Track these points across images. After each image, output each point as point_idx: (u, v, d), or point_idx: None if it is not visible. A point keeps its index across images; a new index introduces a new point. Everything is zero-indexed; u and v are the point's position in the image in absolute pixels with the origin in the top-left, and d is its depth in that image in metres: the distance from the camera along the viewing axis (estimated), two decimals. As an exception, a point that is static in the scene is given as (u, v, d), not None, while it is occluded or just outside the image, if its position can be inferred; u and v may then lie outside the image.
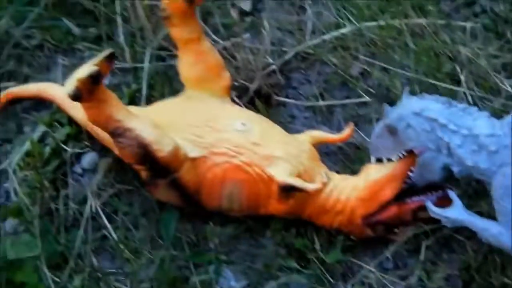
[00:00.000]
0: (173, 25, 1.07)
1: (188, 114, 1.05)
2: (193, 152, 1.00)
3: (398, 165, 0.99)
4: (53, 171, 1.13)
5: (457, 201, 0.95)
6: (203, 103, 1.07)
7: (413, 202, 0.99)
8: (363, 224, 1.01)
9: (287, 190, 0.98)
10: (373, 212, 1.00)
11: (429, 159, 0.95)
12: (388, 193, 0.99)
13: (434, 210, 0.96)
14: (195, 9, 1.07)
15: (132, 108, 1.05)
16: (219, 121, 1.03)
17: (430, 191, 0.99)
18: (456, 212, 0.95)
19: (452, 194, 0.96)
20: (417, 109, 0.93)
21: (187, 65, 1.10)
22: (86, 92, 0.93)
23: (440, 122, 0.92)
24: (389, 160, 1.01)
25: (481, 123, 0.92)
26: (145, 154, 0.98)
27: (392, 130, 0.96)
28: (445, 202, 0.97)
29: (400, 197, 0.99)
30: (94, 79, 0.92)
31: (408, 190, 0.99)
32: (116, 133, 0.97)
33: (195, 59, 1.08)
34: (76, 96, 0.93)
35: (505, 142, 0.90)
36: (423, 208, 0.99)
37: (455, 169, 0.94)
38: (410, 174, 0.98)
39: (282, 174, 0.98)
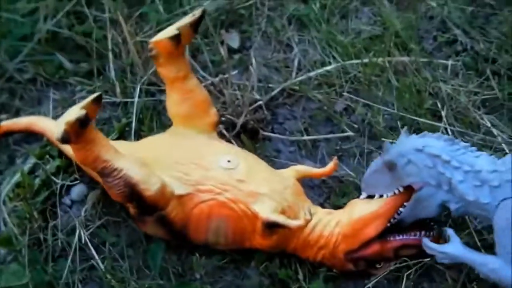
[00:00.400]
0: (160, 64, 1.08)
1: (175, 151, 1.06)
2: (179, 190, 1.01)
3: (384, 205, 1.00)
4: (42, 202, 1.14)
5: (455, 237, 0.96)
6: (189, 140, 1.08)
7: (395, 240, 1.00)
8: (345, 259, 1.01)
9: (271, 227, 0.98)
10: (355, 248, 1.01)
11: (426, 195, 0.96)
12: (371, 231, 1.00)
13: (431, 246, 0.96)
14: (183, 49, 1.09)
15: (121, 144, 1.06)
16: (205, 158, 1.04)
17: (413, 230, 1.00)
18: (454, 248, 0.95)
19: (450, 231, 0.97)
20: (419, 146, 0.95)
21: (174, 103, 1.11)
22: (74, 135, 0.93)
23: (443, 159, 0.94)
24: (381, 196, 1.01)
25: (482, 160, 0.94)
26: (132, 192, 0.98)
27: (391, 166, 0.98)
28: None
29: (383, 234, 1.00)
30: (82, 123, 0.93)
31: (391, 228, 1.00)
32: (104, 173, 0.98)
33: (182, 97, 1.10)
34: (64, 139, 0.93)
35: (507, 177, 0.92)
36: (405, 246, 1.00)
37: (453, 206, 0.96)
38: (401, 209, 0.99)
39: (266, 211, 0.99)
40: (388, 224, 0.99)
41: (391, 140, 1.04)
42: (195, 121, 1.10)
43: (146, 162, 1.01)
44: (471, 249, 0.96)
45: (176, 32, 1.04)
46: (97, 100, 0.96)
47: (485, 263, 0.93)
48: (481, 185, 0.93)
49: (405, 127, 1.02)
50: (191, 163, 1.03)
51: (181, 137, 1.09)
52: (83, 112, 0.93)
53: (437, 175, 0.95)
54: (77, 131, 0.93)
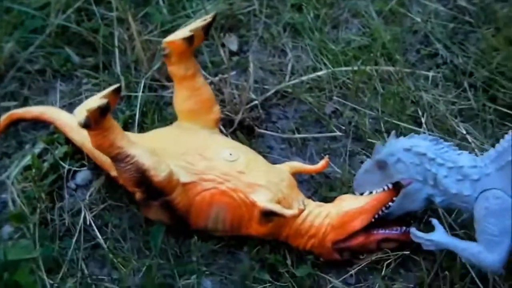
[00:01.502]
0: (171, 63, 1.12)
1: (181, 142, 1.10)
2: (185, 178, 1.05)
3: (370, 201, 1.06)
4: (50, 185, 1.18)
5: (439, 226, 1.02)
6: (194, 133, 1.13)
7: (378, 233, 1.06)
8: (332, 248, 1.06)
9: (267, 215, 1.03)
10: (342, 239, 1.06)
11: (414, 190, 1.04)
12: (357, 224, 1.05)
13: (419, 235, 1.02)
14: (194, 50, 1.13)
15: (131, 135, 1.09)
16: (209, 150, 1.08)
17: (395, 225, 1.06)
18: (439, 236, 1.01)
19: (435, 221, 1.03)
20: (408, 146, 1.03)
21: (181, 99, 1.15)
22: (94, 122, 0.98)
23: (429, 157, 1.01)
24: (370, 193, 1.07)
25: (464, 157, 1.01)
26: (142, 178, 1.03)
27: (381, 165, 1.05)
28: (407, 236, 1.05)
29: (367, 227, 1.06)
30: (102, 111, 0.97)
31: (375, 222, 1.06)
32: (117, 158, 1.03)
33: (189, 94, 1.14)
34: (85, 125, 0.97)
35: (485, 171, 0.99)
36: (387, 239, 1.06)
37: (437, 199, 1.03)
38: (390, 203, 1.05)
39: (263, 200, 1.04)
40: (373, 219, 1.06)
41: (378, 142, 1.10)
42: (199, 116, 1.14)
43: (155, 151, 1.06)
44: (454, 236, 1.03)
45: (189, 34, 1.08)
46: (117, 91, 1.00)
47: (467, 248, 0.99)
48: (463, 179, 1.00)
49: (393, 131, 1.08)
50: (196, 154, 1.07)
51: (187, 131, 1.13)
52: (105, 101, 0.97)
53: (424, 172, 1.02)
54: (97, 118, 0.98)
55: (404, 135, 1.07)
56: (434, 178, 1.02)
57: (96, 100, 0.98)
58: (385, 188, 1.06)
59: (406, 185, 1.03)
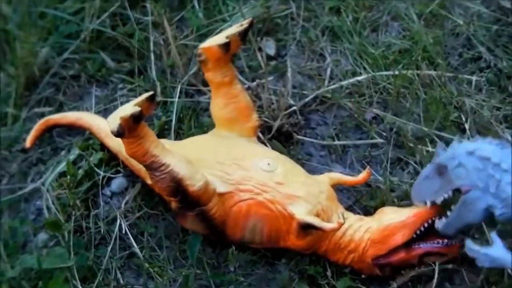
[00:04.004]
0: (208, 69, 1.10)
1: (218, 151, 1.08)
2: (221, 188, 1.04)
3: (412, 215, 1.03)
4: (85, 192, 1.18)
5: (498, 240, 0.96)
6: (232, 142, 1.11)
7: (420, 248, 1.03)
8: (373, 264, 1.04)
9: (306, 228, 1.01)
10: (383, 254, 1.03)
11: (473, 199, 0.98)
12: (398, 239, 1.03)
13: (474, 248, 0.96)
14: (231, 56, 1.10)
15: (166, 143, 1.07)
16: (247, 160, 1.06)
17: (437, 239, 1.03)
18: (497, 250, 0.95)
19: (493, 234, 0.97)
20: (471, 149, 0.97)
21: (218, 106, 1.13)
22: (127, 130, 0.96)
23: (493, 161, 0.96)
24: (433, 203, 1.02)
25: None
26: (178, 187, 1.01)
27: (441, 170, 1.00)
28: (450, 250, 1.02)
29: (408, 242, 1.03)
30: (135, 119, 0.96)
31: (416, 236, 1.02)
32: (152, 167, 1.01)
33: (227, 101, 1.12)
34: (118, 133, 0.96)
35: None
36: (429, 253, 1.03)
37: (498, 211, 0.97)
38: (448, 213, 1.00)
39: (302, 213, 1.02)
40: (414, 235, 1.03)
41: (440, 144, 1.05)
42: (237, 125, 1.13)
43: (190, 160, 1.04)
44: None
45: (226, 40, 1.06)
46: (151, 98, 0.99)
47: None
48: None
49: (458, 135, 1.03)
50: (233, 163, 1.06)
51: (224, 139, 1.11)
52: (138, 109, 0.96)
53: (486, 178, 0.97)
54: (131, 126, 0.96)
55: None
56: (497, 185, 0.97)
57: (129, 108, 0.97)
58: (445, 196, 1.01)
59: (465, 192, 0.98)
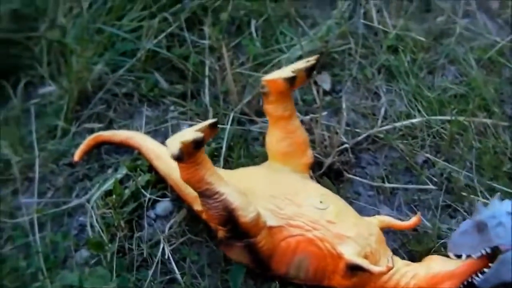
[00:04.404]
0: (269, 101, 1.09)
1: (271, 184, 1.07)
2: (271, 221, 1.03)
3: (461, 266, 1.02)
4: (130, 213, 1.17)
5: None
6: (285, 176, 1.10)
7: None
8: None
9: (353, 269, 1.01)
10: None
11: (511, 258, 0.99)
12: None
13: None
14: (293, 90, 1.10)
15: (220, 171, 1.07)
16: (299, 195, 1.05)
17: None
18: None
19: None
20: (510, 209, 0.99)
21: (275, 139, 1.12)
22: (187, 155, 0.96)
23: None
24: (469, 256, 1.02)
25: None
26: (229, 217, 1.00)
27: (481, 227, 1.00)
28: None
29: None
30: (197, 144, 0.96)
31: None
32: (206, 194, 1.00)
33: (284, 135, 1.11)
34: (178, 157, 0.95)
35: None
36: None
37: None
38: (485, 270, 1.01)
39: (351, 254, 1.01)
40: (461, 286, 1.02)
41: (479, 202, 1.06)
42: (292, 159, 1.11)
43: (243, 191, 1.03)
44: None
45: (292, 74, 1.05)
46: (213, 125, 0.99)
47: None
48: None
49: (499, 193, 1.03)
50: (285, 198, 1.05)
51: (277, 173, 1.10)
52: (201, 135, 0.95)
53: None
54: (190, 152, 0.96)
55: (500, 193, 1.03)
56: None
57: (191, 133, 0.97)
58: (482, 252, 1.01)
59: (504, 252, 0.99)
